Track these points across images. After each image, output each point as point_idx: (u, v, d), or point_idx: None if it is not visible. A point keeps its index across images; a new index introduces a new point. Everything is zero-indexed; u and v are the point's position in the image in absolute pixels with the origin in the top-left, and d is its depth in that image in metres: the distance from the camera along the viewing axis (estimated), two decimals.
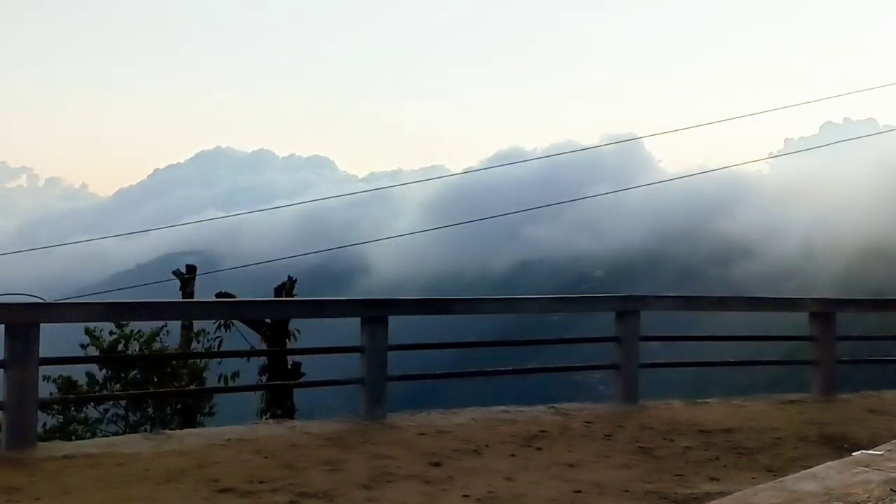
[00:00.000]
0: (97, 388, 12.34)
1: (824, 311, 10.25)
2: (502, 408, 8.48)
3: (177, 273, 15.52)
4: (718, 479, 6.09)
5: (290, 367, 12.69)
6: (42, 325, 6.64)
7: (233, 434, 7.04)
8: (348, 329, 8.02)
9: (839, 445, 7.10)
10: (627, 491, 5.75)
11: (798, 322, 11.01)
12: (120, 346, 12.83)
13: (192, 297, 14.48)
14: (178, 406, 12.92)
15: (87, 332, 12.50)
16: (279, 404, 12.39)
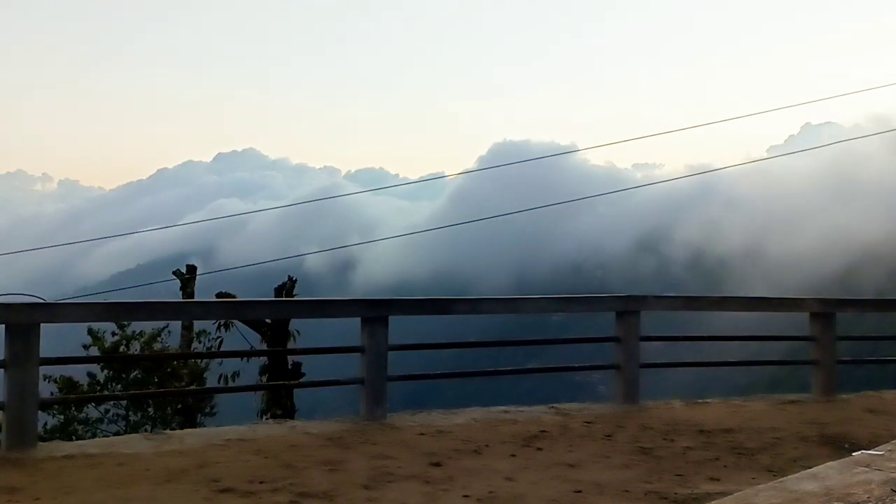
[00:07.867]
0: (98, 388, 12.37)
1: (824, 311, 10.24)
2: (502, 408, 8.48)
3: (177, 273, 15.50)
4: (719, 480, 6.08)
5: (290, 367, 12.68)
6: (42, 325, 6.64)
7: (233, 434, 7.03)
8: (348, 329, 8.01)
9: (839, 445, 7.10)
10: (628, 491, 5.75)
11: (798, 322, 11.00)
12: (122, 348, 12.87)
13: (193, 297, 14.46)
14: (179, 406, 12.94)
15: (90, 332, 12.53)
16: (279, 404, 12.39)
